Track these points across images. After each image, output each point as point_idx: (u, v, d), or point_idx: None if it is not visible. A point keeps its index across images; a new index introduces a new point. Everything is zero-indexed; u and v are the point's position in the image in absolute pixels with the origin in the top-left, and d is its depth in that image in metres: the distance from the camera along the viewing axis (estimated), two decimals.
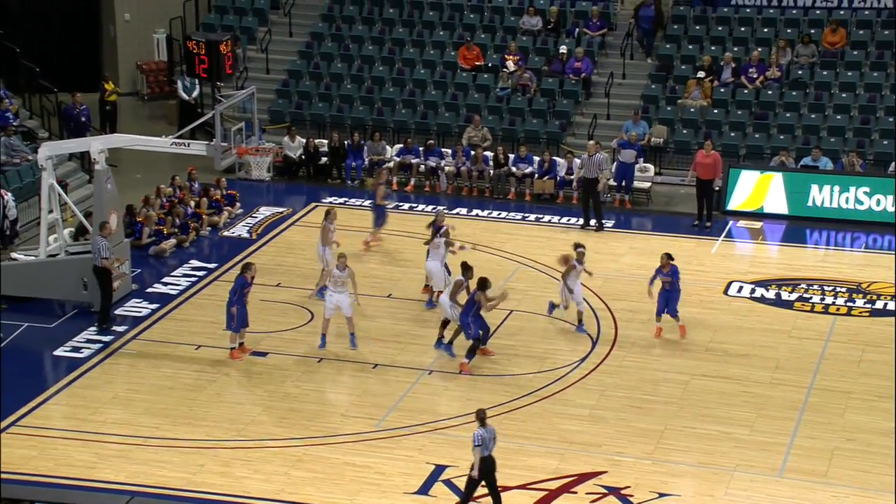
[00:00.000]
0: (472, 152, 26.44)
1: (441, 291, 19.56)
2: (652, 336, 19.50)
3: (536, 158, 26.32)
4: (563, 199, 25.54)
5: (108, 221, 19.93)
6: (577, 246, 19.79)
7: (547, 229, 24.23)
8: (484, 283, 18.15)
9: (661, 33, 29.16)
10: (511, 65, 28.58)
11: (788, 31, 28.84)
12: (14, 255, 21.45)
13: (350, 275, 18.68)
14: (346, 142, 26.87)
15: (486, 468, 14.36)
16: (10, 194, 22.44)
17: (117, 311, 20.18)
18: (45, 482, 15.24)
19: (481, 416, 14.41)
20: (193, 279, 21.64)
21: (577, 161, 24.93)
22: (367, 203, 24.50)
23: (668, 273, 19.34)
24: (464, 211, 25.29)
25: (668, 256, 19.52)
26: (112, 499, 14.52)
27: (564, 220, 24.52)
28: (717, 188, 25.22)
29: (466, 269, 18.85)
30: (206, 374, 18.18)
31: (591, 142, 24.99)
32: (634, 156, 25.51)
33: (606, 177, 24.70)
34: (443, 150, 26.96)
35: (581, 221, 24.23)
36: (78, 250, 20.68)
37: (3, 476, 15.33)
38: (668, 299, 19.35)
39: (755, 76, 27.77)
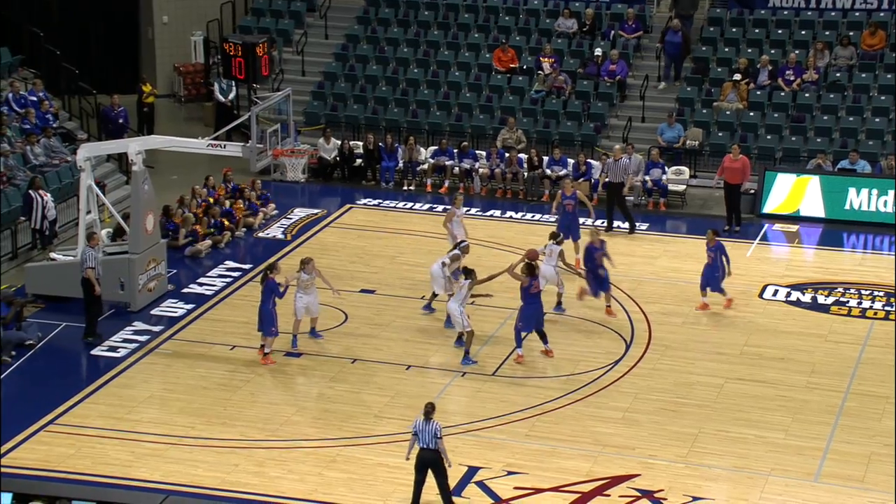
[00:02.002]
0: (507, 154, 26.44)
1: (449, 294, 19.41)
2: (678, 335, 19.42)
3: (571, 161, 26.28)
4: (598, 201, 25.46)
5: (97, 232, 20.00)
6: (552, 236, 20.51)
7: (581, 231, 24.14)
8: (469, 273, 18.68)
9: (689, 61, 28.68)
10: (546, 67, 28.55)
11: (826, 33, 28.63)
12: (53, 254, 21.68)
13: (317, 275, 18.89)
14: (380, 144, 26.95)
15: (420, 461, 14.48)
16: (49, 195, 22.69)
17: (154, 311, 20.36)
18: (82, 480, 15.38)
19: (426, 409, 14.60)
20: (228, 280, 21.78)
21: (602, 165, 24.85)
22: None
23: (712, 248, 19.90)
24: (498, 213, 25.29)
25: (714, 232, 20.23)
26: (148, 497, 14.63)
27: (598, 222, 24.44)
28: (751, 192, 25.11)
29: (468, 272, 18.87)
30: (240, 375, 18.29)
31: (617, 146, 24.94)
32: (661, 173, 25.47)
33: (632, 181, 24.58)
34: (477, 152, 26.98)
35: (605, 224, 24.18)
36: (115, 251, 20.87)
37: (42, 474, 15.53)
38: (709, 276, 19.98)
39: (792, 78, 27.59)
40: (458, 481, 15.50)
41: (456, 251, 20.00)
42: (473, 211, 25.24)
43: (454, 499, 14.80)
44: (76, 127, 27.30)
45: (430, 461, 14.54)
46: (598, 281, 19.99)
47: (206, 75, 31.61)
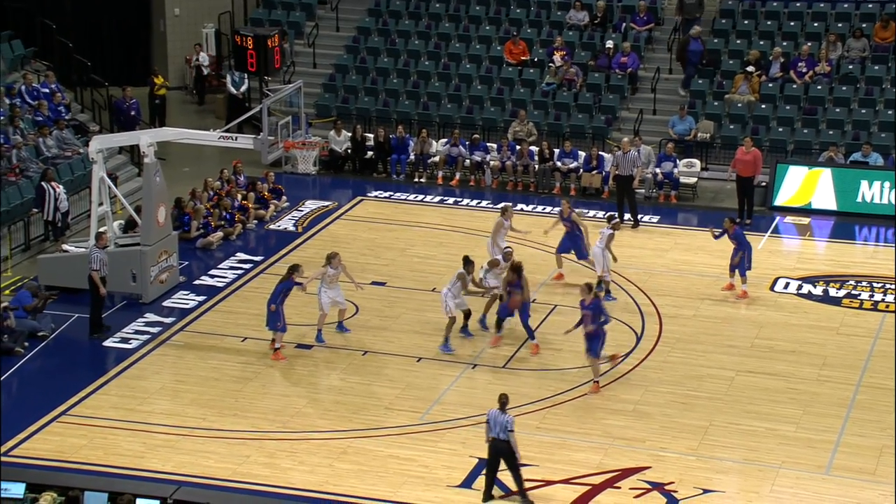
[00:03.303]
0: (518, 147, 26.43)
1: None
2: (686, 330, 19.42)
3: (581, 153, 26.25)
4: (609, 193, 25.45)
5: (104, 231, 20.03)
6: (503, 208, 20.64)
7: (592, 224, 24.14)
8: (468, 264, 18.76)
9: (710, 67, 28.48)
10: (557, 59, 28.52)
11: (839, 25, 28.52)
12: (65, 246, 21.76)
13: (343, 270, 18.93)
14: (391, 136, 26.95)
15: (492, 449, 14.60)
16: (61, 187, 22.76)
17: (165, 303, 20.43)
18: (94, 471, 15.45)
19: (501, 399, 14.73)
20: (240, 272, 21.83)
21: (611, 158, 24.82)
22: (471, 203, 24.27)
23: (732, 236, 20.29)
24: (559, 211, 25.20)
25: (732, 221, 20.58)
26: (159, 488, 14.67)
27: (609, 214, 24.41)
28: (763, 184, 25.06)
29: (468, 262, 18.91)
30: (251, 367, 18.34)
31: (625, 139, 24.90)
32: (672, 166, 25.42)
33: (642, 173, 24.53)
34: (488, 144, 26.97)
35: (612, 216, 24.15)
36: (127, 242, 20.93)
37: (54, 464, 15.61)
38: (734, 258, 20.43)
39: (804, 71, 27.50)
40: (469, 473, 15.54)
41: (497, 258, 19.81)
42: (484, 203, 25.25)
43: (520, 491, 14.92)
44: (88, 119, 27.38)
45: (502, 451, 14.62)
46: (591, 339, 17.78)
47: (217, 68, 31.65)
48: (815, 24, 28.69)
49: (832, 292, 21.11)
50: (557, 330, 19.56)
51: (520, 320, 18.77)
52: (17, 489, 14.36)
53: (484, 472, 15.12)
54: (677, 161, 25.78)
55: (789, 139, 26.54)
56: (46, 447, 16.11)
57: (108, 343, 19.11)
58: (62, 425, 16.69)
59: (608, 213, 21.23)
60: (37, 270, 21.11)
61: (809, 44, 27.98)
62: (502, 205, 21.77)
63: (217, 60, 31.78)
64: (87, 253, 19.68)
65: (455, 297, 18.67)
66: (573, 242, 21.17)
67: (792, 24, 28.81)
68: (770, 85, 27.51)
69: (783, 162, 25.50)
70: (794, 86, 27.43)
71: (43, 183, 22.50)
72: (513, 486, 14.93)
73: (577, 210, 21.93)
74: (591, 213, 24.72)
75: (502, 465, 14.82)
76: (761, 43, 28.49)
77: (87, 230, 21.62)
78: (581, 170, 26.00)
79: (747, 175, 24.16)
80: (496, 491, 15.05)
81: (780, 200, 25.17)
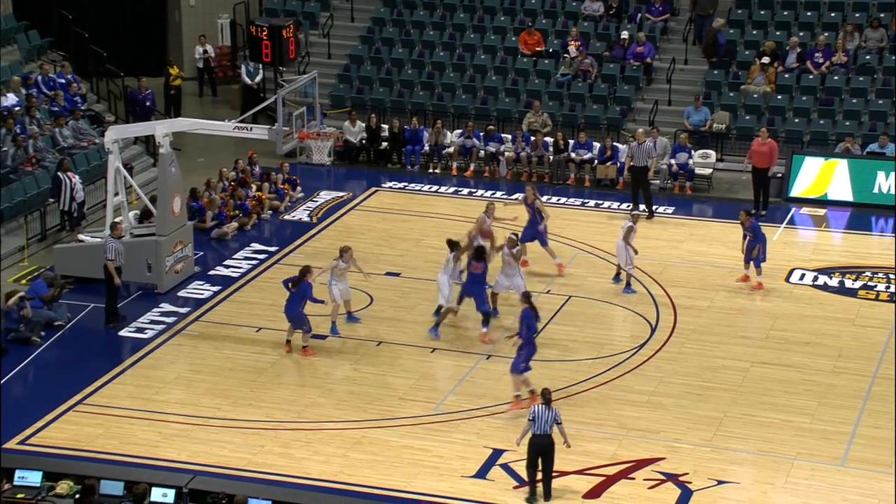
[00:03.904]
0: (532, 138, 26.38)
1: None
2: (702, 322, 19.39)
3: (596, 144, 26.20)
4: (624, 185, 25.39)
5: (120, 221, 20.08)
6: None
7: (606, 215, 24.13)
8: (454, 246, 18.95)
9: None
10: (572, 50, 28.45)
11: (857, 15, 28.36)
12: (81, 236, 21.84)
13: (353, 264, 18.97)
14: (405, 128, 26.95)
15: (535, 447, 14.53)
16: (77, 177, 22.84)
17: (180, 293, 20.48)
18: (110, 460, 15.52)
19: (545, 395, 14.67)
20: (254, 262, 21.88)
21: (626, 149, 24.77)
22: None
23: (748, 228, 20.24)
24: (523, 197, 25.22)
25: (746, 213, 20.55)
26: (174, 477, 14.72)
27: (625, 206, 24.36)
28: (778, 176, 24.97)
29: (453, 245, 19.03)
30: (266, 357, 18.39)
31: (640, 129, 24.84)
32: (686, 157, 25.34)
33: (657, 164, 24.47)
34: (503, 135, 26.93)
35: (630, 208, 24.10)
36: (142, 233, 20.99)
37: (71, 453, 15.69)
38: (750, 252, 20.34)
39: (821, 61, 27.36)
40: (483, 464, 15.55)
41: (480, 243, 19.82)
42: (499, 194, 25.23)
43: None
44: (104, 109, 27.45)
45: (546, 447, 14.56)
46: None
47: (232, 58, 31.69)
48: (833, 14, 28.53)
49: (848, 284, 21.03)
50: (572, 321, 19.57)
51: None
52: (34, 477, 14.45)
53: (498, 462, 15.14)
54: (692, 152, 25.69)
55: (805, 130, 26.43)
56: (63, 436, 16.20)
57: (123, 333, 19.18)
58: (78, 414, 16.77)
59: (629, 207, 21.18)
60: (53, 260, 21.19)
61: (826, 34, 27.84)
62: (487, 202, 21.56)
63: (232, 51, 31.81)
64: (102, 243, 19.75)
65: (450, 279, 18.74)
66: (534, 230, 21.07)
67: (809, 14, 28.66)
68: (786, 76, 27.38)
69: (799, 153, 25.39)
70: (811, 76, 27.30)
71: (59, 173, 22.58)
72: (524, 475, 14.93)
73: (541, 198, 21.88)
74: (606, 203, 24.71)
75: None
76: (777, 33, 28.35)
77: (102, 220, 21.69)
78: (595, 161, 25.94)
79: (763, 166, 24.08)
80: (510, 481, 15.05)
81: (795, 191, 25.07)
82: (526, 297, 17.07)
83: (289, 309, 18.28)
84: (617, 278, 20.63)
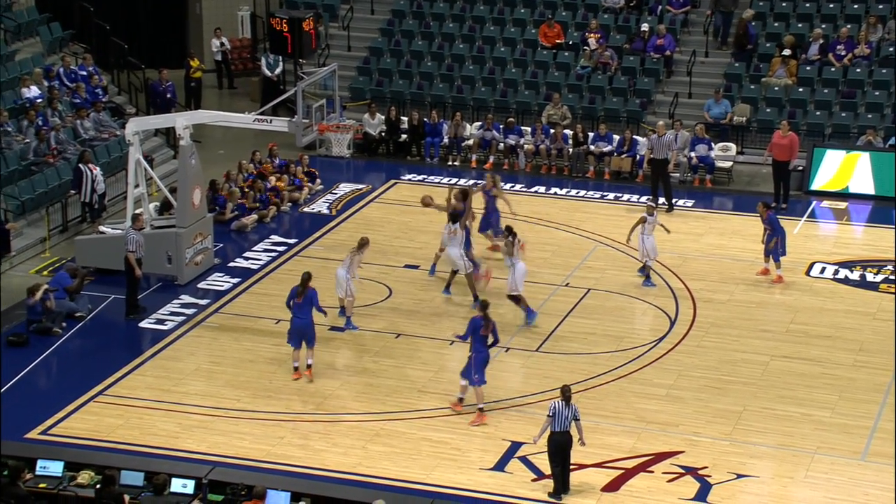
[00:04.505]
0: (552, 130, 26.33)
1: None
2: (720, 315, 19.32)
3: (616, 137, 26.13)
4: (643, 177, 25.32)
5: (141, 213, 20.13)
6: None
7: (625, 208, 24.07)
8: (454, 217, 19.26)
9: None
10: (592, 42, 28.37)
11: (880, 6, 28.15)
12: (102, 227, 21.94)
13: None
14: (424, 119, 26.93)
15: (555, 444, 14.48)
16: (98, 169, 22.94)
17: (200, 285, 20.56)
18: (130, 450, 15.61)
19: (565, 392, 14.61)
20: (274, 254, 21.93)
21: (646, 141, 24.69)
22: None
23: (766, 221, 20.20)
24: (542, 189, 25.23)
25: (764, 205, 20.50)
26: (194, 468, 14.81)
27: (644, 198, 24.30)
28: (799, 169, 24.85)
29: (454, 217, 19.45)
30: (285, 348, 18.38)
31: (661, 122, 24.75)
32: (706, 149, 25.23)
33: (677, 156, 24.40)
34: (522, 128, 26.89)
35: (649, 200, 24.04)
36: (162, 224, 21.07)
37: (91, 444, 15.78)
38: (768, 244, 20.34)
39: (843, 53, 27.19)
40: (502, 456, 15.56)
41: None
42: (518, 187, 25.21)
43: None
44: (125, 101, 27.56)
45: (566, 444, 14.55)
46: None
47: (252, 50, 31.74)
48: (855, 6, 28.35)
49: (869, 277, 20.92)
50: (591, 314, 19.54)
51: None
52: (55, 467, 14.57)
53: (517, 455, 15.12)
54: (711, 143, 25.58)
55: (827, 123, 26.28)
56: (84, 427, 16.29)
57: (143, 324, 19.27)
58: (99, 405, 16.87)
59: (648, 203, 21.16)
60: (74, 252, 21.30)
61: (849, 26, 27.67)
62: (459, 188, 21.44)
63: (252, 43, 31.86)
64: (123, 234, 19.84)
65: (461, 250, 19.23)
66: (487, 220, 21.07)
67: (831, 6, 28.48)
68: (808, 68, 27.23)
69: (820, 146, 25.26)
70: (833, 69, 27.14)
71: (80, 165, 22.69)
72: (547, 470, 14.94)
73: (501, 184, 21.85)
74: (625, 196, 24.65)
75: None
76: (800, 25, 28.19)
77: (123, 212, 21.79)
78: (614, 153, 25.87)
79: (783, 159, 23.96)
80: (528, 474, 15.06)
81: (816, 185, 24.95)
82: (483, 306, 16.64)
83: (302, 322, 17.25)
84: (643, 270, 20.60)
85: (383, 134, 27.24)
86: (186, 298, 20.10)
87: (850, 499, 14.86)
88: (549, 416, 14.59)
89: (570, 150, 26.15)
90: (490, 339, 16.43)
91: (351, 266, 18.86)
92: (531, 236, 22.13)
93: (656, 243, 20.35)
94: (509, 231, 19.31)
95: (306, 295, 17.40)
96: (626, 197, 24.58)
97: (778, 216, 21.05)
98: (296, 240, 22.58)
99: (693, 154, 25.40)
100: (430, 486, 15.00)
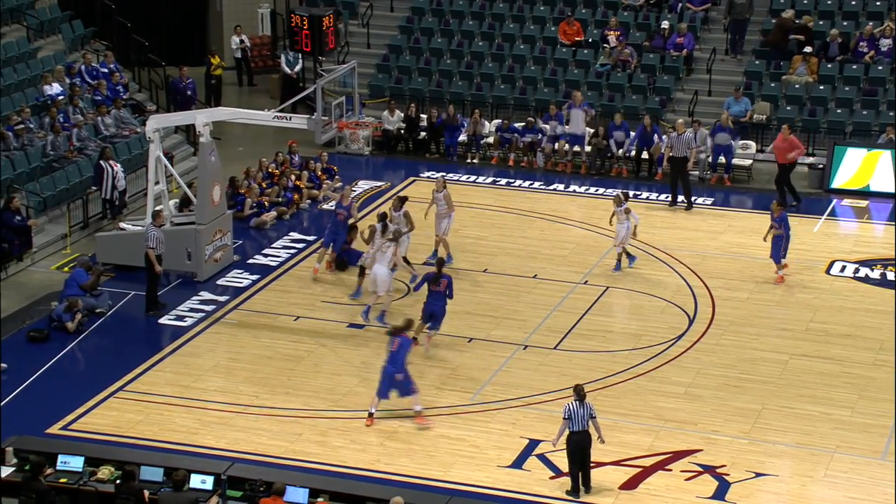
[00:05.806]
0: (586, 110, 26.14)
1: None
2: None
3: (632, 133, 26.02)
4: (662, 175, 25.26)
5: (161, 210, 20.20)
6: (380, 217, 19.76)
7: (644, 206, 24.00)
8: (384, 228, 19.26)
9: (758, 34, 28.04)
10: (612, 40, 28.31)
11: None
12: (122, 224, 22.05)
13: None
14: (442, 116, 26.92)
15: (574, 445, 14.47)
16: (119, 165, 23.05)
17: (219, 281, 20.64)
18: (150, 446, 15.69)
19: (579, 391, 14.56)
20: (293, 251, 21.99)
21: (665, 139, 24.61)
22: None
23: (777, 219, 20.10)
24: (561, 187, 25.20)
25: (779, 204, 20.38)
26: (213, 464, 14.87)
27: (663, 196, 24.25)
28: (820, 166, 24.70)
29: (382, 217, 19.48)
30: (304, 345, 18.49)
31: (680, 120, 24.66)
32: (728, 138, 25.10)
33: (696, 154, 24.31)
34: (541, 126, 26.84)
35: (669, 199, 23.99)
36: (182, 221, 21.16)
37: (111, 439, 15.88)
38: (776, 247, 20.16)
39: (865, 51, 27.04)
40: (520, 454, 15.57)
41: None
42: (536, 185, 25.19)
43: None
44: (145, 98, 27.67)
45: (585, 443, 14.53)
46: None
47: (272, 48, 31.81)
48: (878, 3, 28.19)
49: (890, 276, 20.82)
50: (609, 312, 19.52)
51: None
52: (76, 462, 14.66)
53: (535, 453, 15.11)
54: (736, 134, 25.40)
55: (848, 121, 26.15)
56: (104, 422, 16.39)
57: (163, 320, 19.36)
58: (119, 401, 16.96)
59: (619, 192, 21.18)
60: (94, 248, 21.42)
61: (871, 23, 27.52)
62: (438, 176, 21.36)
63: (272, 40, 31.93)
64: (143, 231, 19.93)
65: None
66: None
67: (853, 3, 28.33)
68: (829, 66, 27.10)
69: (841, 144, 25.13)
70: (854, 66, 27.00)
71: (101, 161, 22.80)
72: (564, 467, 14.94)
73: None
74: (644, 194, 24.59)
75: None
76: (821, 23, 28.05)
77: (143, 208, 21.88)
78: (632, 148, 25.68)
79: (781, 162, 23.84)
80: (546, 472, 15.07)
81: (837, 183, 24.83)
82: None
83: (435, 306, 17.93)
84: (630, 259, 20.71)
85: (402, 131, 27.27)
86: (206, 295, 20.18)
87: (870, 498, 14.80)
88: (564, 418, 14.54)
89: (589, 148, 26.05)
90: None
91: (390, 262, 18.81)
92: (551, 233, 22.14)
93: (630, 232, 20.47)
94: (381, 218, 19.34)
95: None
96: (644, 195, 24.52)
97: (798, 214, 20.93)
98: (315, 237, 22.62)
99: (711, 140, 25.05)
100: (447, 483, 15.02)
